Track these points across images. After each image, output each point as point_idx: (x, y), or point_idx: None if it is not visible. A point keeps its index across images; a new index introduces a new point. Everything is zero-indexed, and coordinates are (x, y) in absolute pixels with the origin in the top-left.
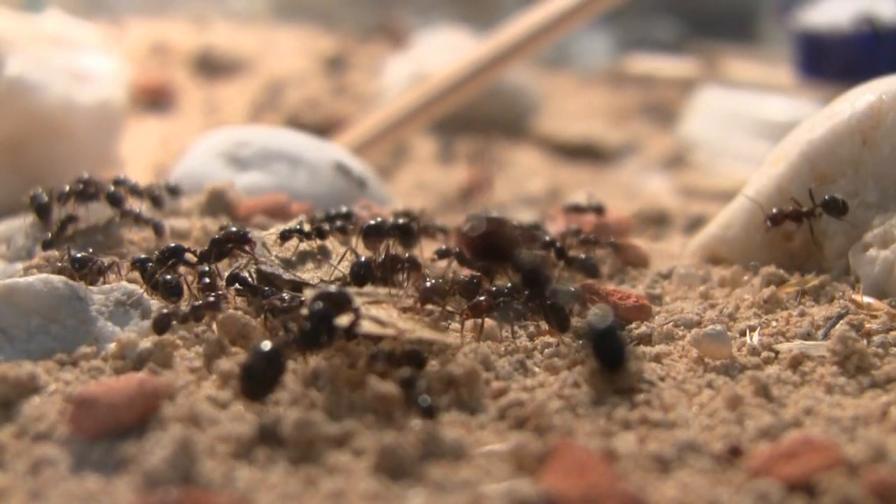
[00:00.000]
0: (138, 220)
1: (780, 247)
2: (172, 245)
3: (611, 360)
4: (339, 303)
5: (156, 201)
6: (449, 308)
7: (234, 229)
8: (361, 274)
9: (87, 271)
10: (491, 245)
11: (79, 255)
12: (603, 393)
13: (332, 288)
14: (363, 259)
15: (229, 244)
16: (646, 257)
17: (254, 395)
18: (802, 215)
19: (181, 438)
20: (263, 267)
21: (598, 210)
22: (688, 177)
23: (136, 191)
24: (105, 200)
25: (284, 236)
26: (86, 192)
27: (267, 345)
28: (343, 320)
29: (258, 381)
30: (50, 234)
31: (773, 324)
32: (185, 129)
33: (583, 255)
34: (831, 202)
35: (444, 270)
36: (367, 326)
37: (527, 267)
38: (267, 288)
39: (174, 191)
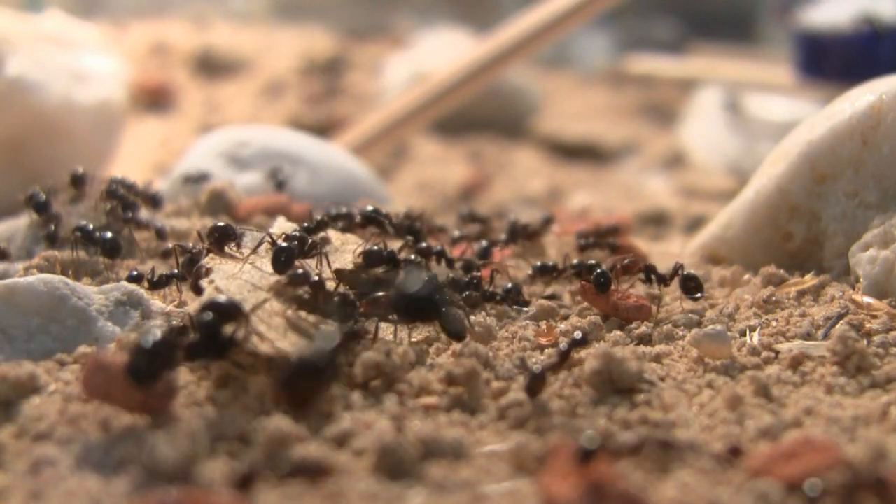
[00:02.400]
0: (139, 225)
1: (780, 247)
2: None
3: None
4: (228, 313)
5: (154, 202)
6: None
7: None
8: (283, 261)
9: None
10: (301, 393)
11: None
12: (603, 393)
13: (222, 298)
14: (285, 245)
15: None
16: (645, 257)
17: (140, 381)
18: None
19: (182, 439)
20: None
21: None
22: (688, 177)
23: (135, 192)
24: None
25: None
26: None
27: (150, 339)
28: (233, 332)
29: (143, 370)
30: (52, 227)
31: (773, 324)
32: (185, 129)
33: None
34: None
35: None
36: (251, 342)
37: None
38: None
39: (156, 201)
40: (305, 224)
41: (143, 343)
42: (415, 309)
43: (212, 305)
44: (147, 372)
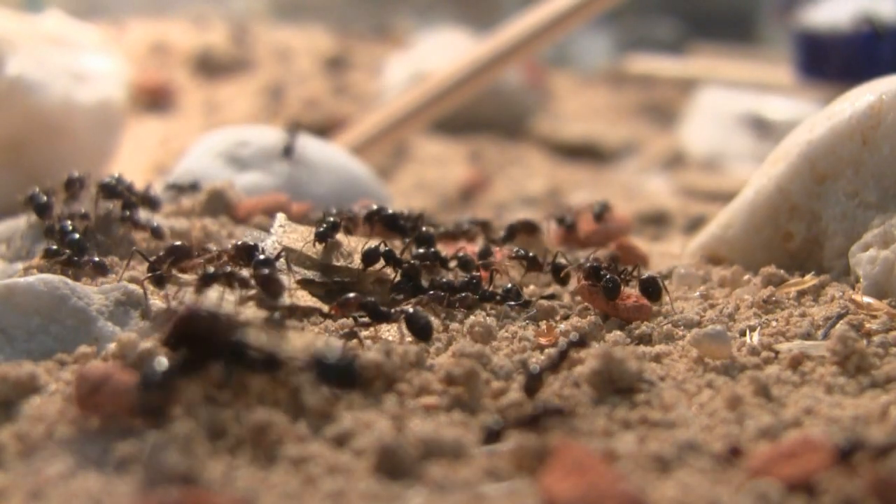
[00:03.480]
0: (136, 225)
1: (780, 247)
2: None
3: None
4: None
5: (151, 203)
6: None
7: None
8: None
9: None
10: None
11: None
12: (603, 393)
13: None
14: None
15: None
16: (646, 257)
17: (149, 414)
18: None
19: (181, 438)
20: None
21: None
22: (688, 177)
23: (132, 192)
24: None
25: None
26: (111, 191)
27: (158, 367)
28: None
29: (150, 406)
30: (50, 224)
31: (773, 324)
32: (185, 129)
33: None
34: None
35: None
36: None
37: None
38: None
39: (153, 202)
40: (324, 226)
41: (149, 377)
42: (329, 378)
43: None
44: (159, 407)
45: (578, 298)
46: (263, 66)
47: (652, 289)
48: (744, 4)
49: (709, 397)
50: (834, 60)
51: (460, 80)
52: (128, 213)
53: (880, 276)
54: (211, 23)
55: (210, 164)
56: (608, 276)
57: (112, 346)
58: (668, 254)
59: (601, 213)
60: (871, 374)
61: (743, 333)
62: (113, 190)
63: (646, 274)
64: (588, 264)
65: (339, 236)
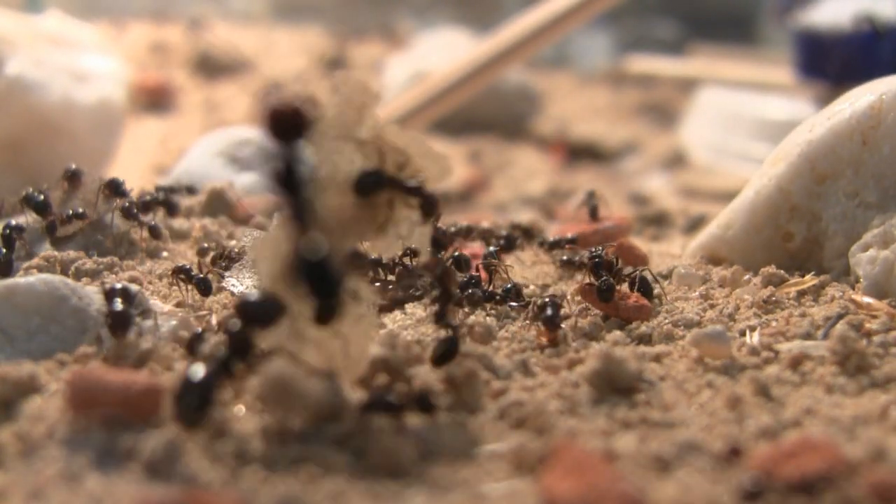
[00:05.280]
0: (133, 221)
1: (780, 247)
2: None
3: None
4: (264, 316)
5: (169, 208)
6: None
7: None
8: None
9: None
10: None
11: None
12: (603, 393)
13: (255, 296)
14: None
15: None
16: (646, 257)
17: (188, 423)
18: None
19: (181, 438)
20: None
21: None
22: (688, 177)
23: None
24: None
25: None
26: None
27: (197, 373)
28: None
29: (189, 410)
30: (52, 219)
31: (773, 324)
32: (185, 129)
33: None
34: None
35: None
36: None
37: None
38: None
39: (171, 206)
40: None
41: (190, 384)
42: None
43: (246, 307)
44: (197, 415)
45: (578, 298)
46: (263, 66)
47: (643, 287)
48: (744, 5)
49: (709, 397)
50: (834, 60)
51: (460, 80)
52: (126, 209)
53: (880, 276)
54: (210, 23)
55: (209, 164)
56: (603, 278)
57: (112, 346)
58: (668, 254)
59: (594, 208)
60: (871, 374)
61: (743, 333)
62: (118, 188)
63: (639, 272)
64: (592, 254)
65: None
